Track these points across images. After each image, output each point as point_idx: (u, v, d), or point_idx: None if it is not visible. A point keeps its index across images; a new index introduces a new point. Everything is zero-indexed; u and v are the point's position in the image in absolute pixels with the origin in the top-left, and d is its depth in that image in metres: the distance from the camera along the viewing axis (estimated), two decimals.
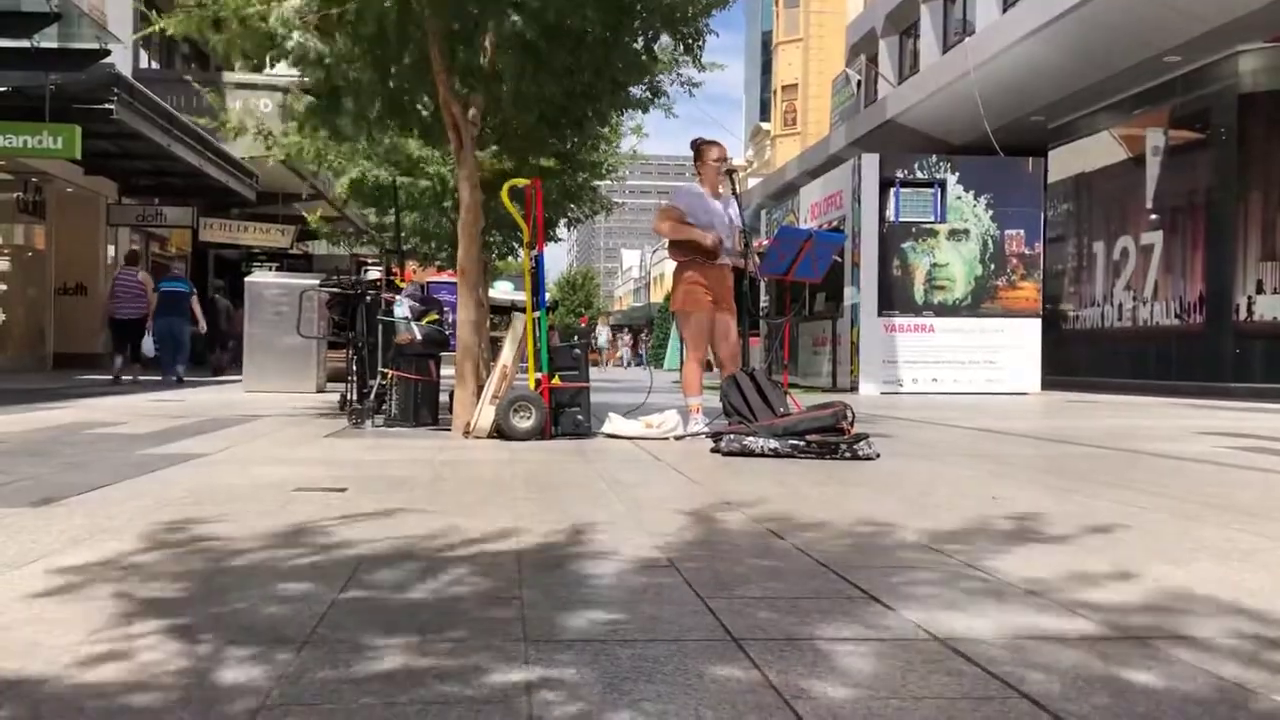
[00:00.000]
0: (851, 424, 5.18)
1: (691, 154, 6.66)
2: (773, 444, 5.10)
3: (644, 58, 6.45)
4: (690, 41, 6.37)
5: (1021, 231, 14.03)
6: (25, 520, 3.01)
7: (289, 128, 10.07)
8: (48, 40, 13.14)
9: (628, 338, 45.80)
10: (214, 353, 18.52)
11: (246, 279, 13.19)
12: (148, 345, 14.26)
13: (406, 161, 9.74)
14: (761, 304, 17.01)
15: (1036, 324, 14.08)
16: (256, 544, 2.67)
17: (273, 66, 6.29)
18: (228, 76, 17.06)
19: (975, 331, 13.80)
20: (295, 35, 5.46)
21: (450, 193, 9.93)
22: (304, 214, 20.68)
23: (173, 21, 5.90)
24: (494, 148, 8.15)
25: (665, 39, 6.59)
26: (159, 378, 14.10)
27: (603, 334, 46.73)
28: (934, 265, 13.87)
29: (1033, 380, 13.83)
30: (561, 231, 13.67)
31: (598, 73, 6.37)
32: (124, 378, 13.55)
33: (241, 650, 1.74)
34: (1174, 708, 1.50)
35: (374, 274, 8.50)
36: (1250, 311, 13.69)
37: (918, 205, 13.93)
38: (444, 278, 17.31)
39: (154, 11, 7.67)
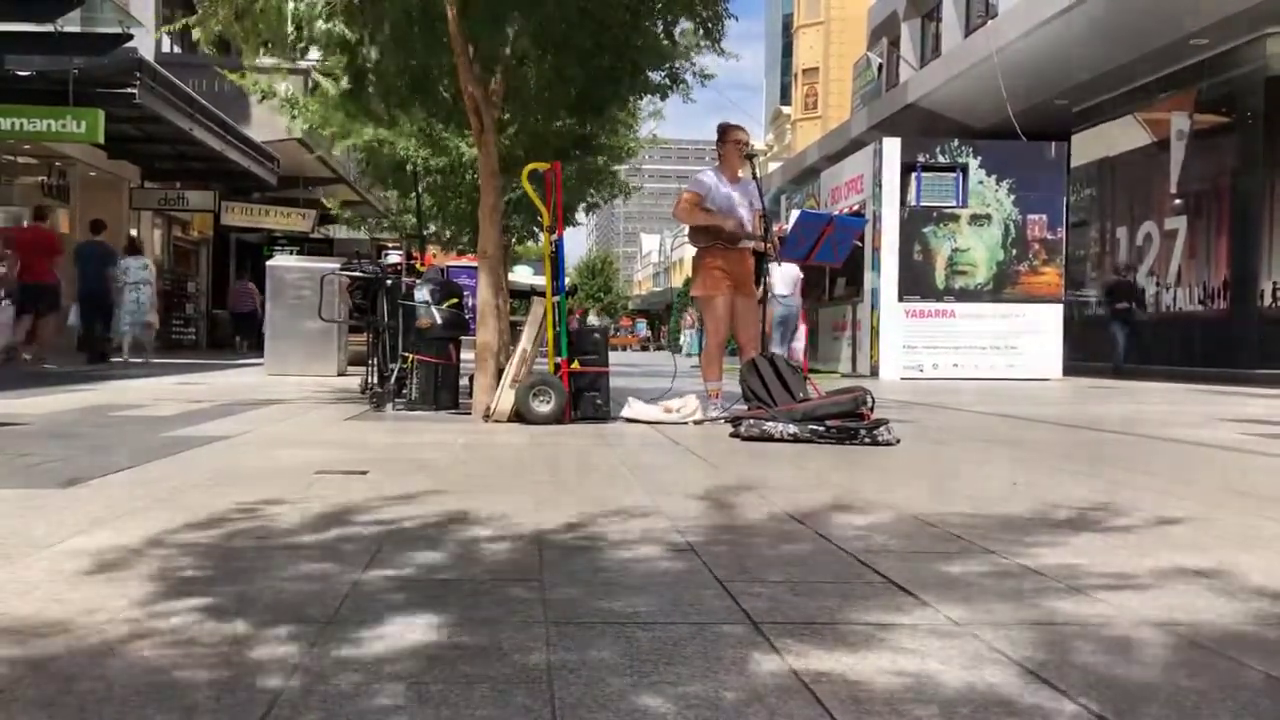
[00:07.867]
0: (871, 409, 5.16)
1: (716, 138, 6.63)
2: (792, 429, 5.10)
3: (664, 41, 6.43)
4: (710, 25, 6.33)
5: (1044, 216, 13.93)
6: (54, 501, 3.05)
7: (309, 101, 10.08)
8: (71, 24, 13.22)
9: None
10: None
11: (268, 263, 13.27)
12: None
13: (426, 135, 9.67)
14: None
15: (1058, 309, 13.99)
16: (279, 525, 2.69)
17: (299, 56, 6.29)
18: (248, 62, 17.13)
19: (996, 317, 13.72)
20: (320, 24, 5.46)
21: (468, 170, 9.89)
22: (324, 200, 20.91)
23: (200, 29, 5.91)
24: (512, 130, 8.11)
25: (685, 23, 6.56)
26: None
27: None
28: (955, 250, 13.79)
29: (1054, 366, 13.75)
30: (580, 216, 13.64)
31: (619, 56, 6.35)
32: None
33: (265, 630, 1.76)
34: (1196, 694, 1.50)
35: (394, 258, 8.51)
36: (1276, 297, 13.56)
37: (939, 190, 13.85)
38: (464, 262, 17.36)
39: (179, 10, 7.69)
